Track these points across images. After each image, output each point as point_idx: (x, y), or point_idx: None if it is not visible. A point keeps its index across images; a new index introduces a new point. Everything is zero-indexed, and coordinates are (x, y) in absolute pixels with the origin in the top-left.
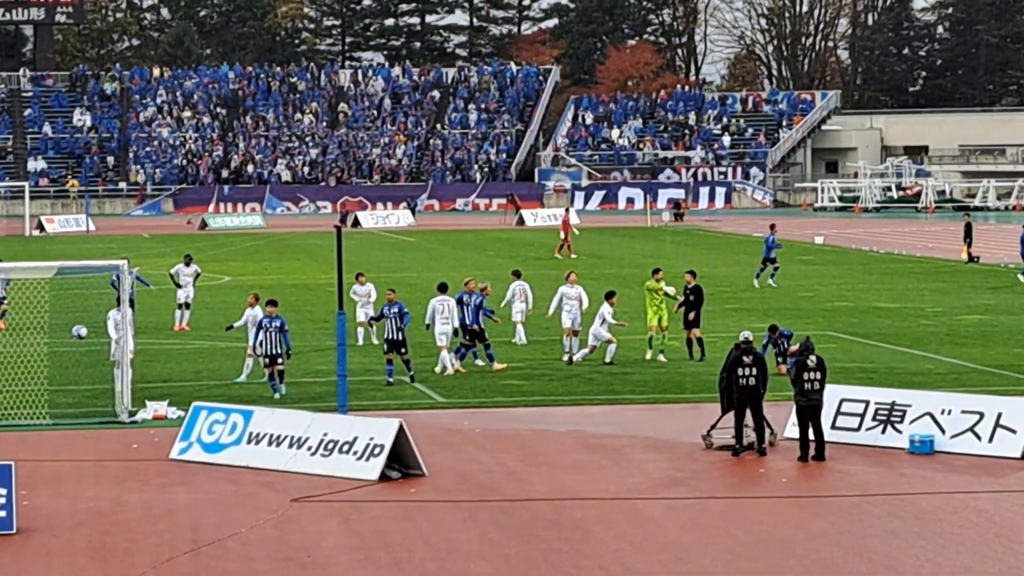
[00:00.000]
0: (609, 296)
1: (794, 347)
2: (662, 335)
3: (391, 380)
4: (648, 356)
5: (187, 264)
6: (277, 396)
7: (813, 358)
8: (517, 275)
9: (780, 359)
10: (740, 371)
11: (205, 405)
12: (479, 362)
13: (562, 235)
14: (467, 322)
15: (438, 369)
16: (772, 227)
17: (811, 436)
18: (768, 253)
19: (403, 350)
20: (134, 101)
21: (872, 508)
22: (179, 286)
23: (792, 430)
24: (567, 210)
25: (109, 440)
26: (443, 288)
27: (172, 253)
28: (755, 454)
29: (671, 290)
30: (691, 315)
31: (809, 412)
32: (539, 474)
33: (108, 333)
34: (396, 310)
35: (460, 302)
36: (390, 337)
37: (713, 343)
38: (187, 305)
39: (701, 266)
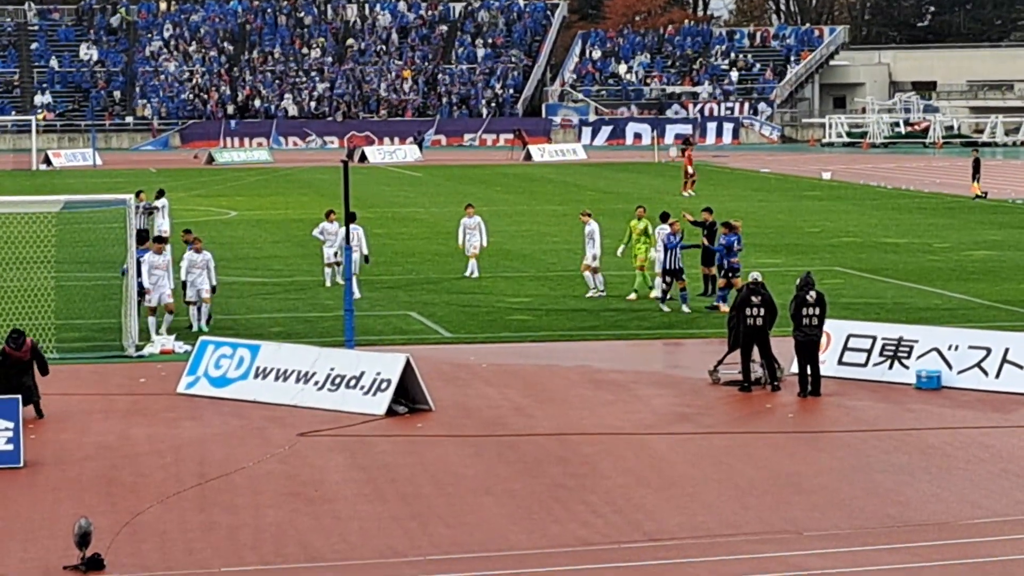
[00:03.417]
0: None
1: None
2: (644, 274)
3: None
4: (632, 297)
5: (158, 197)
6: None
7: (812, 293)
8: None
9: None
10: (748, 311)
11: (212, 339)
12: (664, 307)
13: (690, 170)
14: (668, 266)
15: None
16: None
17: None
18: None
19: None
20: (140, 35)
21: (879, 443)
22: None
23: (797, 366)
24: (689, 143)
25: (116, 374)
26: (352, 217)
27: (179, 188)
28: (762, 390)
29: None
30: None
31: (807, 347)
32: (545, 409)
33: (143, 280)
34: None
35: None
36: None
37: None
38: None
39: (708, 202)
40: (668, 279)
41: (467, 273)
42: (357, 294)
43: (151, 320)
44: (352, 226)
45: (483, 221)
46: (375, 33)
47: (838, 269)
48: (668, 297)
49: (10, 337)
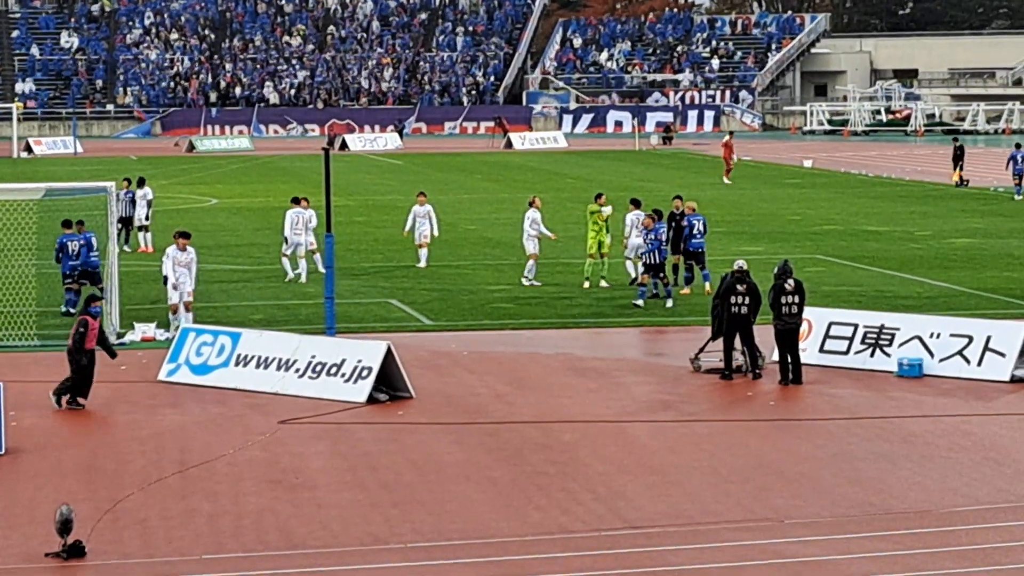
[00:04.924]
0: (532, 202)
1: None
2: (603, 261)
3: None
4: (586, 285)
5: (139, 186)
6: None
7: (791, 282)
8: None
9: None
10: (733, 299)
11: (193, 327)
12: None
13: (736, 158)
14: (650, 260)
15: (292, 277)
16: None
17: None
18: None
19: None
20: (121, 23)
21: (860, 431)
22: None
23: (778, 354)
24: (730, 134)
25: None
26: (296, 201)
27: (160, 175)
28: (744, 378)
29: (608, 210)
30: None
31: (787, 336)
32: (527, 397)
33: (164, 275)
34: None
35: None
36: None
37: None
38: (144, 228)
39: (689, 189)
40: (651, 272)
41: (421, 264)
42: (290, 275)
43: (175, 316)
44: (298, 209)
45: (433, 209)
46: (356, 21)
47: (819, 257)
48: (644, 290)
49: (89, 303)
